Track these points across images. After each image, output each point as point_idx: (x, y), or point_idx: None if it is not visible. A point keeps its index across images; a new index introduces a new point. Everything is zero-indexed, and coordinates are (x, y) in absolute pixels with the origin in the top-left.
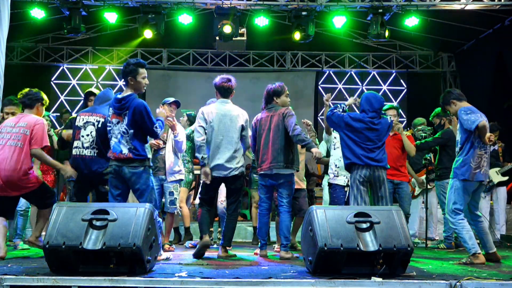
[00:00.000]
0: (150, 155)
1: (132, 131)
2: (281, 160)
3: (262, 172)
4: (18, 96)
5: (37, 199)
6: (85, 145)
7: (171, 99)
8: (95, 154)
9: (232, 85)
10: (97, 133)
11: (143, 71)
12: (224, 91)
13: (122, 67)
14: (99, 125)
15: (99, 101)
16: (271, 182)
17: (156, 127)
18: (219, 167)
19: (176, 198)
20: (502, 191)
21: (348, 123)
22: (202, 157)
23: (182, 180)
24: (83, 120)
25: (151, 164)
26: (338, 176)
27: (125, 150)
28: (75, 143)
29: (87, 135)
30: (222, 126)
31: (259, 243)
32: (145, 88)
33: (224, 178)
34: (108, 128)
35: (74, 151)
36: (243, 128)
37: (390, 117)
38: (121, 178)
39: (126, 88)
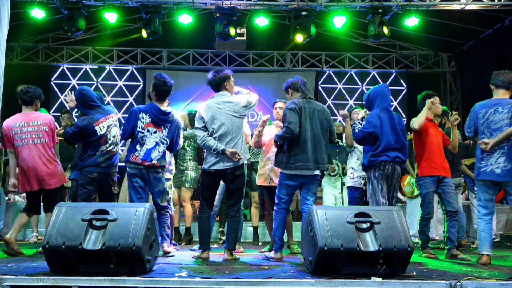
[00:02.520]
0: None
1: (168, 142)
2: (325, 162)
3: (297, 173)
4: (18, 90)
5: (55, 197)
6: (112, 144)
7: None
8: (117, 150)
9: (223, 75)
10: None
11: None
12: (214, 85)
13: (164, 83)
14: (117, 123)
15: (85, 101)
16: (301, 181)
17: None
18: (223, 159)
19: (170, 198)
20: None
21: (372, 124)
22: (214, 149)
23: (170, 179)
24: (104, 126)
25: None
26: (353, 179)
27: (154, 160)
28: (103, 148)
29: (114, 136)
30: (220, 120)
31: (275, 245)
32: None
33: (228, 171)
34: (141, 134)
35: (100, 153)
36: (244, 112)
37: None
38: (144, 180)
39: (162, 102)
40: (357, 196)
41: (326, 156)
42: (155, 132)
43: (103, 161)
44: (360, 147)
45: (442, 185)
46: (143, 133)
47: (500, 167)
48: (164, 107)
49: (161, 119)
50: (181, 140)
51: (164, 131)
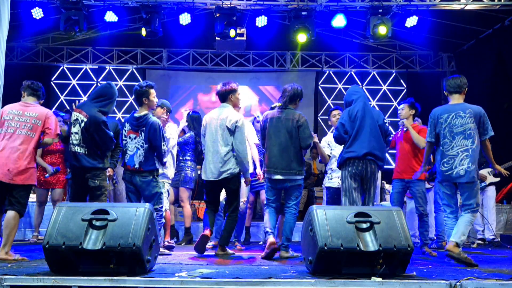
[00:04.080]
0: (159, 167)
1: (147, 145)
2: (294, 168)
3: (273, 177)
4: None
5: (21, 197)
6: (75, 142)
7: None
8: (86, 152)
9: (228, 88)
10: (82, 133)
11: (153, 91)
12: (220, 97)
13: (134, 90)
14: (83, 125)
15: (96, 95)
16: (281, 186)
17: (164, 145)
18: (210, 170)
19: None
20: (491, 189)
21: (345, 124)
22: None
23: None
24: (74, 117)
25: (160, 171)
26: (332, 179)
27: (137, 164)
28: (70, 139)
29: (76, 133)
30: (211, 130)
31: (267, 233)
32: (156, 104)
33: (218, 181)
34: (124, 142)
35: (69, 146)
36: (231, 131)
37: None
38: (133, 184)
39: (141, 108)
40: (334, 197)
41: (297, 163)
42: (135, 138)
43: (75, 162)
44: (338, 150)
45: (409, 188)
46: (125, 140)
47: (464, 169)
48: (141, 112)
49: (134, 124)
50: (166, 142)
51: (141, 135)
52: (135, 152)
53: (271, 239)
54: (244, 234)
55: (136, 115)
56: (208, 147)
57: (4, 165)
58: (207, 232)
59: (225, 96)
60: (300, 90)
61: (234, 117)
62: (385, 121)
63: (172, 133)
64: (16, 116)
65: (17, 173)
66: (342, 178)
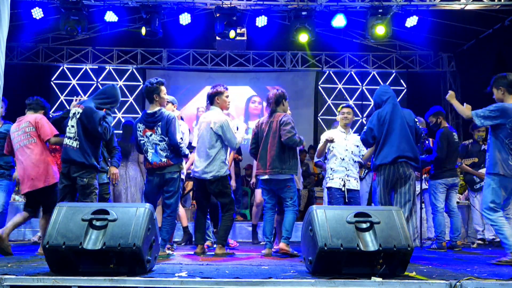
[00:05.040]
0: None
1: (167, 138)
2: (276, 167)
3: (262, 178)
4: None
5: (47, 198)
6: (70, 135)
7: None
8: (77, 146)
9: (214, 91)
10: (77, 125)
11: (163, 88)
12: (208, 99)
13: (145, 87)
14: (78, 116)
15: (98, 93)
16: (270, 186)
17: (182, 138)
18: (196, 170)
19: None
20: None
21: (374, 129)
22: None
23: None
24: (73, 111)
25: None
26: (333, 179)
27: (163, 159)
28: (66, 133)
29: (72, 126)
30: (200, 132)
31: (264, 242)
32: (167, 101)
33: (200, 180)
34: (142, 142)
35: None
36: (219, 134)
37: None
38: (158, 186)
39: (153, 105)
40: (337, 196)
41: (280, 162)
42: (151, 135)
43: (65, 155)
44: (340, 149)
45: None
46: (143, 140)
47: None
48: (154, 109)
49: (149, 121)
50: (182, 135)
51: (157, 130)
52: (155, 149)
53: (266, 251)
54: (251, 233)
55: (149, 111)
56: (197, 148)
57: (28, 178)
58: (199, 250)
59: (212, 99)
60: (280, 91)
61: (218, 120)
62: (415, 120)
63: (182, 130)
64: (16, 133)
65: (37, 179)
66: (377, 183)
